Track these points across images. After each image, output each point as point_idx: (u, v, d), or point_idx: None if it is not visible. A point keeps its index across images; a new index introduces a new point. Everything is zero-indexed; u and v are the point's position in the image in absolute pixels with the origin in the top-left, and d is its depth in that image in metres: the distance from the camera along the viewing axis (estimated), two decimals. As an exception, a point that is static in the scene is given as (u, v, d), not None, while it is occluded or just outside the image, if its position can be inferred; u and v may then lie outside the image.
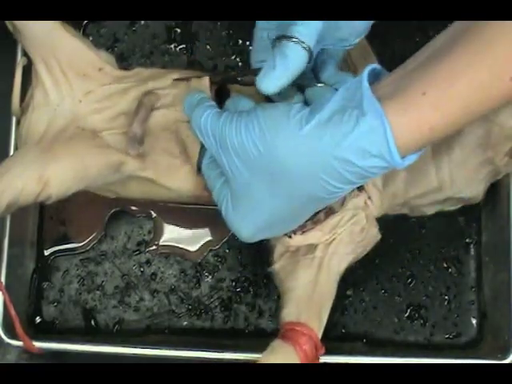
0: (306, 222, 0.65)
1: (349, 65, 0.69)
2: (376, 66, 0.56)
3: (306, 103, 0.62)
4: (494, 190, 0.73)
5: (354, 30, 0.61)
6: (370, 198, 0.68)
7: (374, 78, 0.56)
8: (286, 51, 0.57)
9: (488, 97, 0.51)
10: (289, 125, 0.54)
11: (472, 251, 0.77)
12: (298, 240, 0.67)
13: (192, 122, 0.61)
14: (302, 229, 0.66)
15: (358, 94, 0.53)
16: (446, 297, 0.76)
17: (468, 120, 0.52)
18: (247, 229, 0.60)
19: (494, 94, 0.51)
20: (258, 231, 0.60)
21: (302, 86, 0.62)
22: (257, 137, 0.55)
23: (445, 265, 0.77)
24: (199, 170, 0.65)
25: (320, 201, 0.57)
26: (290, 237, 0.67)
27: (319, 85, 0.61)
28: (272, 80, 0.57)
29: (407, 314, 0.76)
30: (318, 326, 0.65)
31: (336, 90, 0.60)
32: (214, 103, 0.62)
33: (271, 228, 0.60)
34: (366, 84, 0.53)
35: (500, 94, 0.51)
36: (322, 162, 0.53)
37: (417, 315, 0.76)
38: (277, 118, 0.55)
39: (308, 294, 0.66)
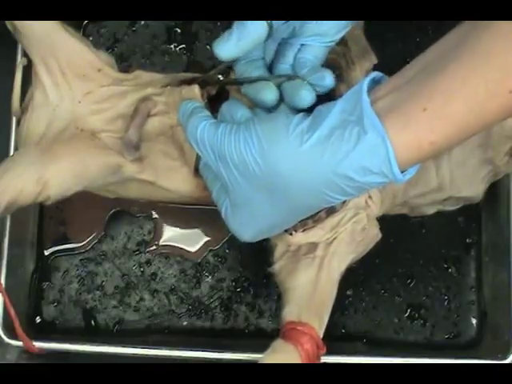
0: (307, 219, 0.66)
1: (348, 64, 0.69)
2: (375, 74, 0.56)
3: (282, 99, 0.61)
4: (493, 190, 0.73)
5: (333, 24, 0.61)
6: (370, 197, 0.68)
7: (373, 83, 0.55)
8: (245, 21, 0.57)
9: (487, 111, 0.51)
10: (288, 140, 0.54)
11: (472, 251, 0.77)
12: (299, 238, 0.67)
13: (188, 133, 0.61)
14: (303, 226, 0.66)
15: (357, 107, 0.53)
16: (446, 297, 0.76)
17: (468, 135, 0.52)
18: (247, 234, 0.61)
19: (493, 108, 0.50)
20: (258, 235, 0.61)
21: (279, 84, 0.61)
22: (256, 152, 0.55)
23: (445, 265, 0.77)
24: (197, 170, 0.66)
25: (319, 208, 0.58)
26: (290, 234, 0.67)
27: (297, 80, 0.60)
28: (226, 46, 0.58)
29: (407, 314, 0.76)
30: (319, 325, 0.64)
31: (310, 84, 0.60)
32: (208, 113, 0.61)
33: (271, 231, 0.61)
34: (365, 98, 0.53)
35: (500, 108, 0.51)
36: (323, 178, 0.53)
37: (417, 315, 0.76)
38: (276, 132, 0.55)
39: (309, 293, 0.66)
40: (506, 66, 0.49)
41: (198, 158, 0.64)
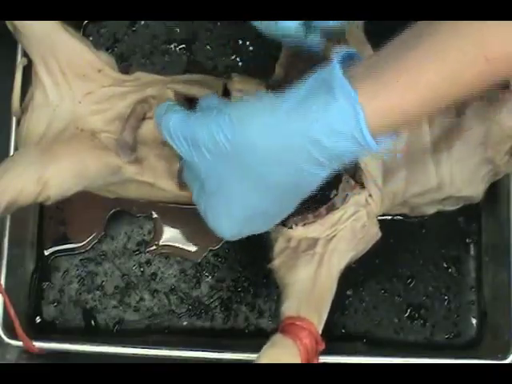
0: (308, 214, 0.66)
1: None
2: (351, 50, 0.55)
3: None
4: (493, 190, 0.73)
5: None
6: (370, 195, 0.68)
7: (349, 63, 0.55)
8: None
9: (461, 80, 0.51)
10: (259, 112, 0.54)
11: (472, 251, 0.77)
12: (299, 232, 0.67)
13: (162, 128, 0.60)
14: (304, 221, 0.67)
15: (330, 76, 0.53)
16: (446, 297, 0.76)
17: (442, 104, 0.52)
18: (225, 225, 0.59)
19: (469, 77, 0.51)
20: (238, 227, 0.59)
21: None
22: (227, 128, 0.55)
23: (445, 265, 0.77)
24: (180, 184, 0.66)
25: (298, 189, 0.57)
26: (291, 227, 0.67)
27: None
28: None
29: (407, 314, 0.76)
30: (317, 320, 0.65)
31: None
32: (182, 108, 0.60)
33: (252, 222, 0.59)
34: (337, 66, 0.53)
35: (475, 77, 0.51)
36: (295, 146, 0.53)
37: (417, 315, 0.76)
38: (247, 108, 0.55)
39: (308, 289, 0.66)
40: (481, 34, 0.50)
41: (180, 171, 0.64)
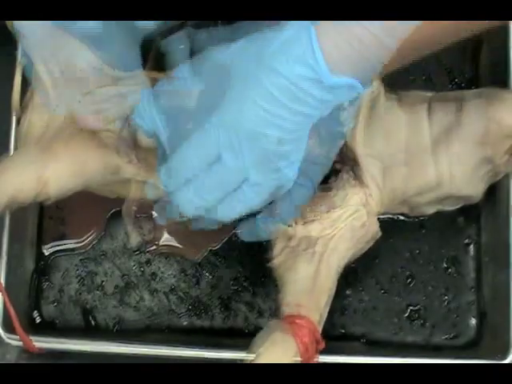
0: (307, 213, 0.67)
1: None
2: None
3: None
4: (493, 190, 0.73)
5: None
6: (370, 195, 0.68)
7: None
8: None
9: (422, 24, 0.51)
10: (220, 47, 0.55)
11: (471, 251, 0.77)
12: (299, 230, 0.67)
13: (136, 118, 0.59)
14: (304, 219, 0.67)
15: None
16: (446, 297, 0.76)
17: (403, 46, 0.52)
18: (185, 194, 0.57)
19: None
20: (197, 196, 0.57)
21: None
22: (186, 71, 0.55)
23: (444, 265, 0.77)
24: None
25: (266, 157, 0.55)
26: (290, 225, 0.67)
27: None
28: None
29: (407, 314, 0.76)
30: (317, 319, 0.65)
31: None
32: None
33: (213, 192, 0.57)
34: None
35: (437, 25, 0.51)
36: (250, 79, 0.52)
37: (416, 315, 0.76)
38: (204, 51, 0.56)
39: (308, 287, 0.66)
40: None
41: None
